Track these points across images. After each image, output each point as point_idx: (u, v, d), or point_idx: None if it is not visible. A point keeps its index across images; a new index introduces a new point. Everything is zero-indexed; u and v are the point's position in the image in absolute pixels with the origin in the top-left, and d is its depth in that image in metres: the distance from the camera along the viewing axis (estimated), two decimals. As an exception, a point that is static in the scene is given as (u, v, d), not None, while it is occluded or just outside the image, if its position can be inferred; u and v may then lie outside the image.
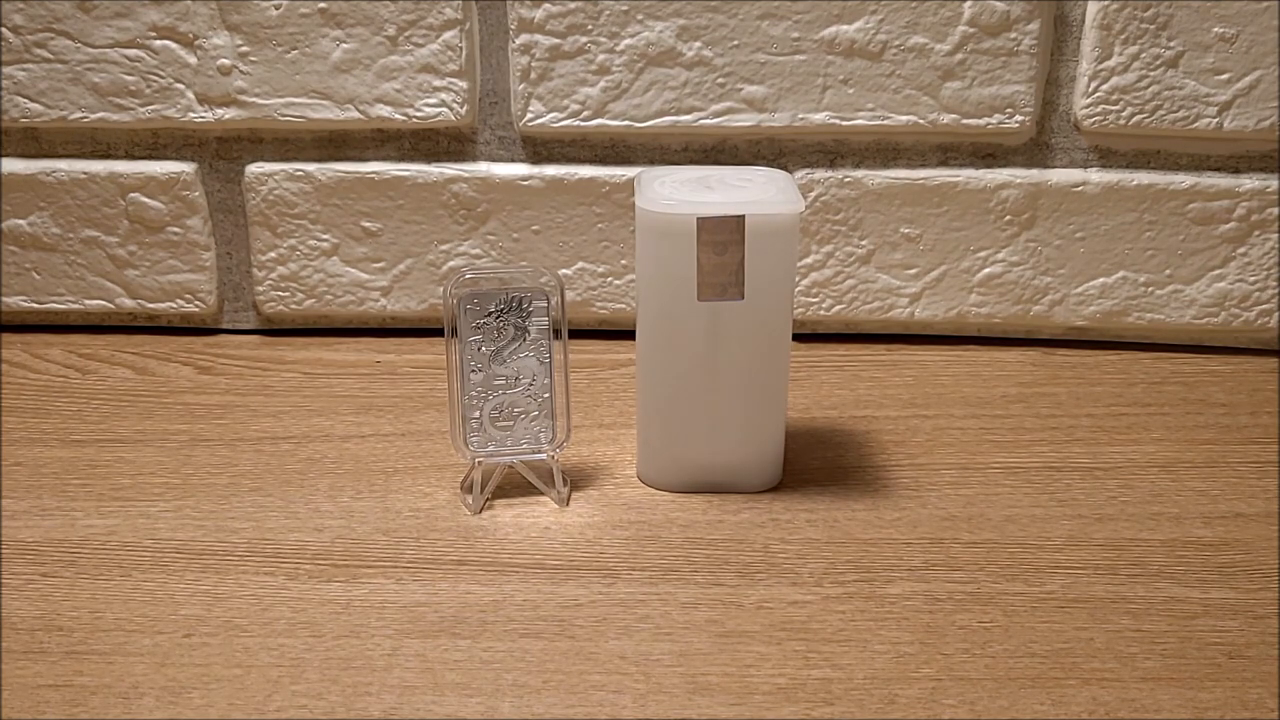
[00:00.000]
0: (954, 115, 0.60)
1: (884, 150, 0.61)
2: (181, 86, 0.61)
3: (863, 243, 0.63)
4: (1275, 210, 0.61)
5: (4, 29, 0.60)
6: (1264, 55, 0.58)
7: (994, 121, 0.60)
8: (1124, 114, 0.60)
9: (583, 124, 0.61)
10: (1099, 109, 0.60)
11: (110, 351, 0.64)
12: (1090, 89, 0.59)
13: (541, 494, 0.49)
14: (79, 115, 0.61)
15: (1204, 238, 0.62)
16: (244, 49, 0.60)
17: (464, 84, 0.60)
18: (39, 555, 0.45)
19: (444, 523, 0.47)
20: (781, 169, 0.57)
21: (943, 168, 0.62)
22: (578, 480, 0.50)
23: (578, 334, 0.64)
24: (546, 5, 0.59)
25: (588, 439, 0.54)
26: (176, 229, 0.64)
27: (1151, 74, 0.59)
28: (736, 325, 0.46)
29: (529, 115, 0.61)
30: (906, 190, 0.62)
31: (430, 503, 0.49)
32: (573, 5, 0.59)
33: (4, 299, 0.66)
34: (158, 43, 0.60)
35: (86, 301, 0.66)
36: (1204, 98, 0.59)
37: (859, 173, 0.61)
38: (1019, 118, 0.60)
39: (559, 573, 0.44)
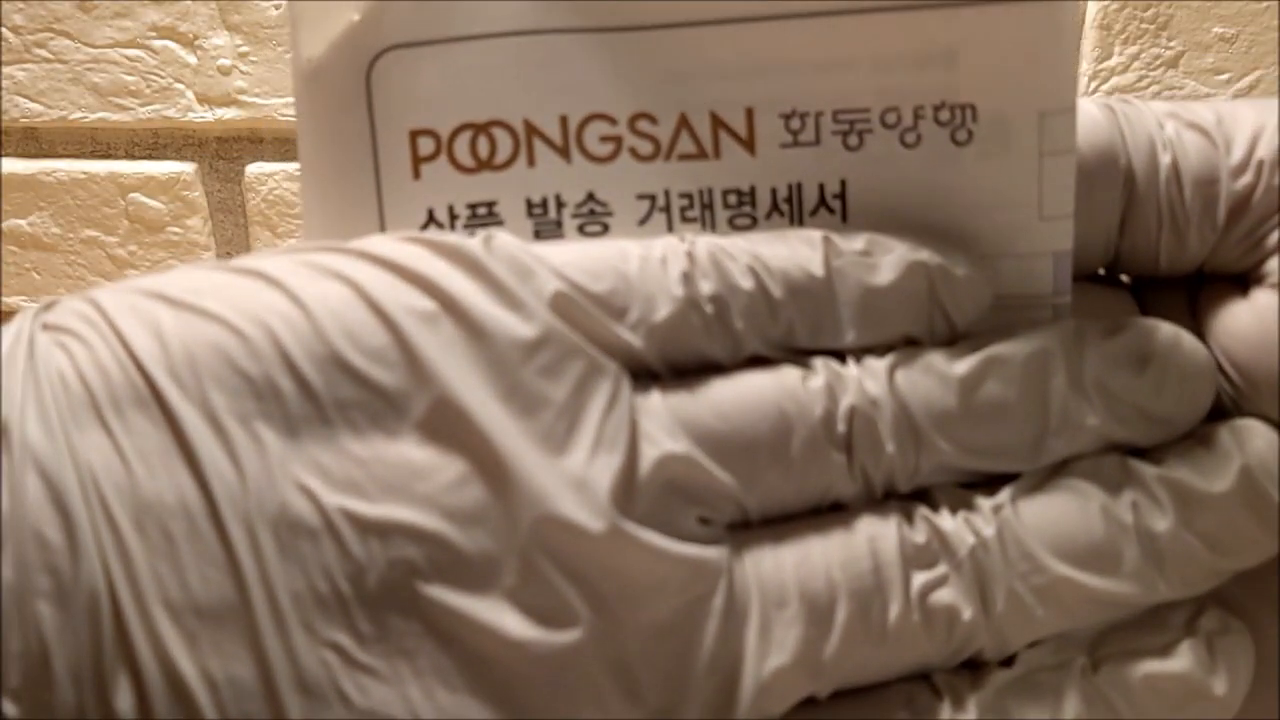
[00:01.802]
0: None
1: None
2: (181, 86, 0.61)
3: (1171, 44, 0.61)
4: (1275, 210, 0.61)
5: (4, 29, 0.60)
6: (1264, 55, 0.58)
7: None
8: (1124, 114, 0.59)
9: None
10: (1099, 109, 0.59)
11: (110, 351, 0.64)
12: (1090, 89, 0.59)
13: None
14: (79, 115, 0.61)
15: (1204, 238, 0.61)
16: (244, 49, 0.60)
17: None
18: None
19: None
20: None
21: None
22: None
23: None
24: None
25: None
26: (176, 229, 0.64)
27: (1151, 74, 0.59)
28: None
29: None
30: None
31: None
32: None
33: (4, 299, 0.66)
34: (158, 43, 0.60)
35: (86, 301, 0.66)
36: (1204, 98, 0.59)
37: None
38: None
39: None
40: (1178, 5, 0.58)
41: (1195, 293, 0.21)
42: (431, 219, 0.20)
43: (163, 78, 0.61)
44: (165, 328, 0.17)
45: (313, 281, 0.17)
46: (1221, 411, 0.20)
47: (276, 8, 0.59)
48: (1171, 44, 0.58)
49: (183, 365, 0.17)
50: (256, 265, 0.18)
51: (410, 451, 0.17)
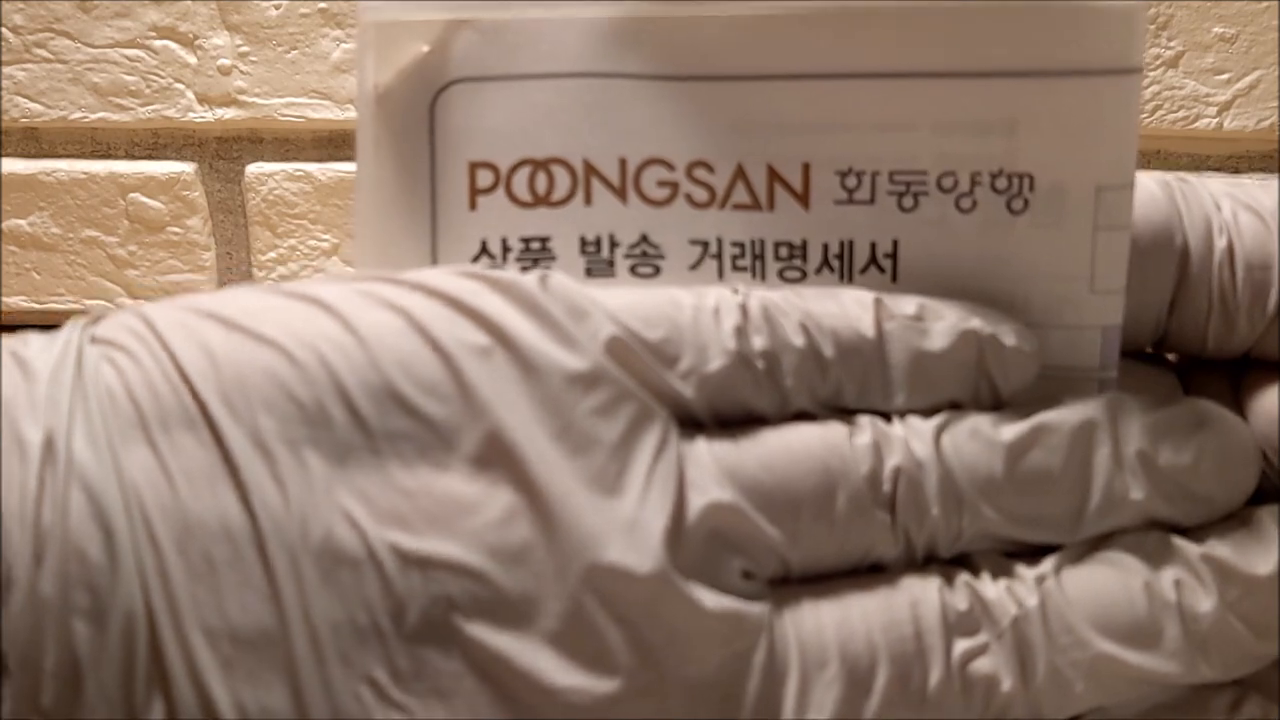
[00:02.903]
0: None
1: None
2: (181, 86, 0.61)
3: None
4: (1275, 210, 0.61)
5: (4, 29, 0.60)
6: (1264, 55, 0.58)
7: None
8: (1124, 114, 0.60)
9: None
10: (1099, 109, 0.60)
11: (110, 351, 0.64)
12: (1090, 89, 0.59)
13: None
14: (79, 115, 0.61)
15: (1204, 238, 0.62)
16: (244, 49, 0.60)
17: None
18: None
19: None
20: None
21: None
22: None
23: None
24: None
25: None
26: (176, 229, 0.64)
27: (1151, 74, 0.59)
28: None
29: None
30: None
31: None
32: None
33: (4, 299, 0.66)
34: (158, 43, 0.60)
35: (86, 301, 0.66)
36: (1204, 98, 0.59)
37: None
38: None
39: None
40: (1178, 5, 0.58)
41: (1239, 376, 0.21)
42: (484, 250, 0.20)
43: (163, 78, 0.61)
44: (217, 348, 0.17)
45: (368, 311, 0.17)
46: (1263, 495, 0.20)
47: (276, 8, 0.59)
48: (1171, 44, 0.58)
49: (233, 387, 0.17)
50: (311, 291, 0.18)
51: (457, 486, 0.17)
